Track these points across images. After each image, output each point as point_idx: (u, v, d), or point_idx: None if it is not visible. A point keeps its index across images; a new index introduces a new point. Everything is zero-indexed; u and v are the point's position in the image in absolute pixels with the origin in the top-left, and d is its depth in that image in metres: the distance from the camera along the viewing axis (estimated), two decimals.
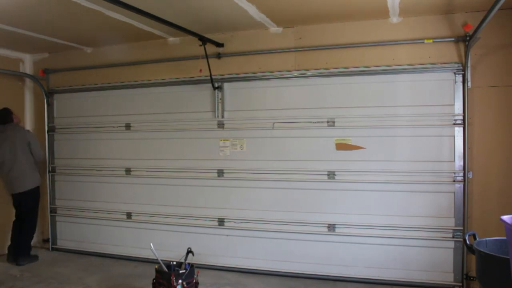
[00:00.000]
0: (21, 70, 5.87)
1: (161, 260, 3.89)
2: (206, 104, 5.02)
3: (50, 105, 5.83)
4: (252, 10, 4.07)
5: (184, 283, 3.76)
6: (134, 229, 5.37)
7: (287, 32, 4.70)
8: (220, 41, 4.88)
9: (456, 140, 4.16)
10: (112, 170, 5.48)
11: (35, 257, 5.30)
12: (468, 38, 4.01)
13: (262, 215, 4.76)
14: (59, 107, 5.83)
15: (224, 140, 4.94)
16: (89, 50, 5.65)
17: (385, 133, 4.35)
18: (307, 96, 4.64)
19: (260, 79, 4.80)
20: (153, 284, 3.91)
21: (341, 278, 4.45)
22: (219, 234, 4.95)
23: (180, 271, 3.80)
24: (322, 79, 4.57)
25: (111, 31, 4.74)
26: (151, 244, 3.99)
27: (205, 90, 5.00)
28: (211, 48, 4.78)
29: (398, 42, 4.30)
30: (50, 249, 5.81)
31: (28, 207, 5.22)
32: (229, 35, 4.91)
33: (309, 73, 4.61)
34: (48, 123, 5.83)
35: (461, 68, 4.12)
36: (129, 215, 5.39)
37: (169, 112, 5.19)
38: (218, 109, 4.93)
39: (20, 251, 5.14)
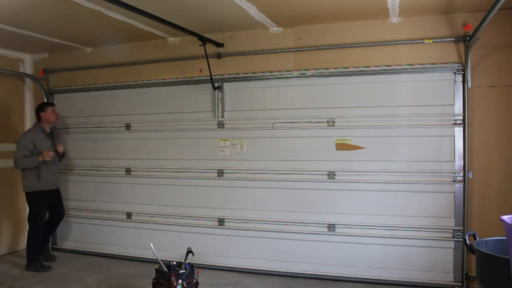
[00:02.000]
0: (21, 70, 5.87)
1: (161, 260, 3.88)
2: (206, 104, 5.02)
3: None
4: (252, 10, 4.07)
5: (184, 283, 3.76)
6: (134, 229, 5.37)
7: (287, 32, 4.70)
8: (220, 41, 4.88)
9: (456, 140, 4.16)
10: (112, 170, 5.48)
11: (44, 267, 4.91)
12: (468, 38, 4.01)
13: (262, 215, 4.76)
14: (59, 107, 5.79)
15: (224, 140, 4.94)
16: (89, 50, 5.65)
17: (385, 133, 4.35)
18: (307, 96, 4.64)
19: (260, 79, 4.80)
20: (153, 284, 3.90)
21: (341, 278, 4.45)
22: (219, 234, 4.95)
23: (180, 271, 3.80)
24: (322, 79, 4.57)
25: (111, 31, 4.74)
26: (151, 244, 3.98)
27: (205, 90, 5.00)
28: (211, 48, 4.78)
29: (398, 42, 4.30)
30: (50, 249, 5.80)
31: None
32: (229, 35, 4.91)
33: (309, 73, 4.61)
34: None
35: (461, 68, 4.12)
36: (129, 215, 5.39)
37: (169, 112, 5.19)
38: (218, 109, 4.93)
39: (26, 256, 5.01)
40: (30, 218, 5.00)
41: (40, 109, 5.05)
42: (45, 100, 5.78)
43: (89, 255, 5.52)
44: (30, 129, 5.13)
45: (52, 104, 5.21)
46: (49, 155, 4.83)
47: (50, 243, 5.82)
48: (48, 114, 5.02)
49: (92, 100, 5.62)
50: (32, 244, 4.95)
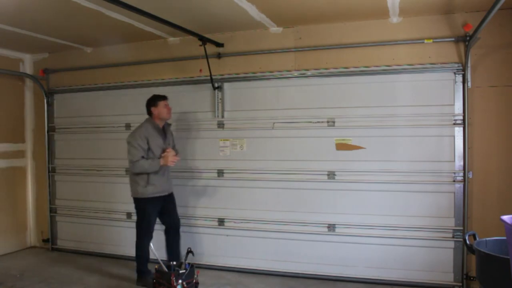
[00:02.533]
0: (21, 70, 5.87)
1: (161, 260, 3.89)
2: (206, 104, 5.02)
3: (50, 105, 5.83)
4: (252, 10, 4.07)
5: (184, 283, 3.76)
6: (134, 229, 5.33)
7: (287, 32, 4.70)
8: (220, 41, 4.88)
9: (456, 140, 4.16)
10: (112, 170, 5.47)
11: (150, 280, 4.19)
12: (468, 38, 4.01)
13: (262, 215, 4.76)
14: (59, 107, 5.83)
15: (224, 140, 4.94)
16: (89, 50, 5.65)
17: (385, 133, 4.35)
18: (307, 96, 4.63)
19: (260, 79, 4.80)
20: (153, 284, 3.91)
21: (341, 278, 4.45)
22: (219, 234, 4.95)
23: (180, 271, 3.81)
24: (322, 79, 4.57)
25: (111, 31, 4.74)
26: (151, 244, 3.98)
27: (205, 90, 5.00)
28: (211, 48, 4.78)
29: (398, 42, 4.30)
30: (50, 249, 5.81)
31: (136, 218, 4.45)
32: (229, 35, 4.91)
33: (309, 73, 4.61)
34: (48, 123, 5.82)
35: (461, 68, 4.12)
36: (129, 215, 5.38)
37: None
38: (218, 109, 4.93)
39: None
40: (138, 226, 4.39)
41: (151, 103, 4.36)
42: (45, 100, 5.79)
43: (89, 255, 5.52)
44: (141, 125, 4.37)
45: (165, 97, 4.41)
46: (174, 160, 4.21)
47: (50, 243, 5.83)
48: (160, 109, 4.32)
49: (92, 100, 5.61)
50: (139, 255, 4.35)
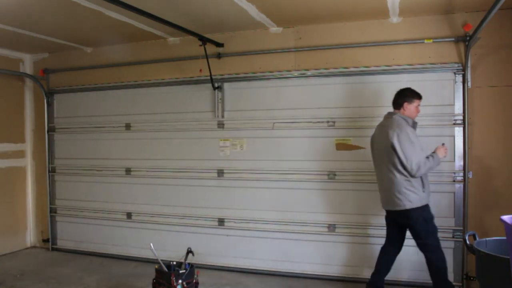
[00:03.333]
0: (21, 70, 5.87)
1: (161, 260, 3.88)
2: (206, 104, 5.02)
3: (50, 105, 5.83)
4: (252, 10, 4.07)
5: (184, 283, 3.76)
6: (134, 229, 5.37)
7: (287, 32, 4.70)
8: (220, 41, 4.88)
9: (456, 140, 4.16)
10: (112, 170, 5.48)
11: None
12: (468, 38, 4.01)
13: (262, 215, 4.76)
14: (59, 107, 5.83)
15: (224, 140, 4.94)
16: (89, 50, 5.65)
17: None
18: (307, 96, 4.63)
19: (260, 79, 4.80)
20: (153, 284, 3.90)
21: (341, 278, 4.45)
22: (219, 234, 4.95)
23: (180, 271, 3.80)
24: (322, 79, 4.57)
25: (111, 31, 4.74)
26: (151, 244, 3.98)
27: (205, 90, 5.00)
28: (211, 48, 4.78)
29: (398, 42, 4.30)
30: (50, 249, 5.81)
31: (415, 233, 3.62)
32: (229, 35, 4.91)
33: (309, 73, 4.61)
34: (48, 123, 5.82)
35: (461, 68, 4.12)
36: (129, 215, 5.39)
37: (169, 112, 5.19)
38: (218, 109, 4.93)
39: None
40: (430, 240, 3.57)
41: (407, 97, 3.65)
42: (45, 100, 5.78)
43: (89, 255, 5.52)
44: (399, 121, 3.59)
45: (421, 97, 3.71)
46: (446, 150, 3.66)
47: (50, 243, 5.83)
48: (413, 108, 3.66)
49: (92, 100, 5.62)
50: (444, 268, 3.64)
